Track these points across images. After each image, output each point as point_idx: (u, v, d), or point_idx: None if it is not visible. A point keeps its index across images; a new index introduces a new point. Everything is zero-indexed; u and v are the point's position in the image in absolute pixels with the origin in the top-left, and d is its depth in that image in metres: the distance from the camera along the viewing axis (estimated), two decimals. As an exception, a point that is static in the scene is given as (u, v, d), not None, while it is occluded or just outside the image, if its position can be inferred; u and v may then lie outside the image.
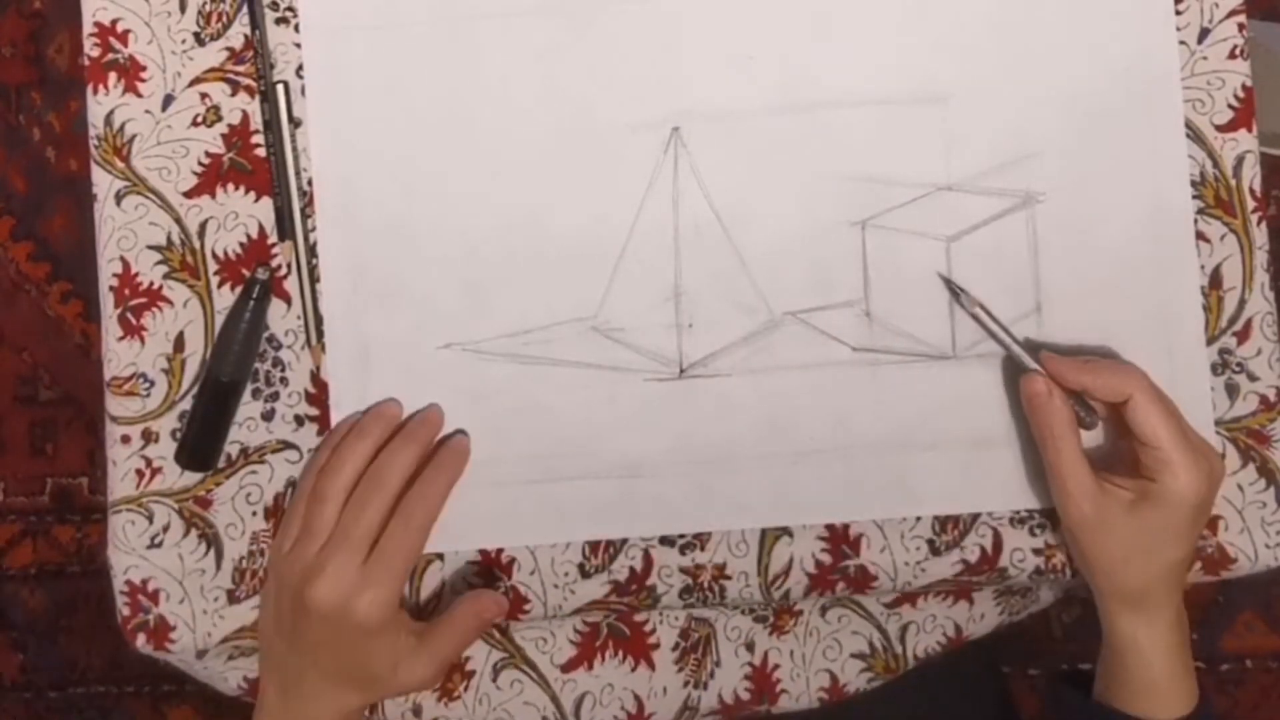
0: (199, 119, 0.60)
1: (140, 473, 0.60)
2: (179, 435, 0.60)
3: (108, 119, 0.60)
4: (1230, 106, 0.59)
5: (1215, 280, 0.59)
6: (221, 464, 0.60)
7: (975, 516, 0.59)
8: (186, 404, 0.60)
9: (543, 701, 0.64)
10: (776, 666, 0.64)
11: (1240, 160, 0.59)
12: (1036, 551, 0.59)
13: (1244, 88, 0.59)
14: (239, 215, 0.60)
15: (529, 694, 0.64)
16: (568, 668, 0.64)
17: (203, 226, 0.60)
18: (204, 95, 0.60)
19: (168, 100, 0.60)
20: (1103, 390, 0.54)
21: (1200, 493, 0.53)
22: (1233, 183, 0.59)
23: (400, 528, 0.54)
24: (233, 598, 0.60)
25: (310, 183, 0.60)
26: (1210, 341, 0.59)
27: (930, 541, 0.59)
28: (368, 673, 0.55)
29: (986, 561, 0.59)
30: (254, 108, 0.60)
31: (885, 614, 0.64)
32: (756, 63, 0.59)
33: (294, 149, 0.60)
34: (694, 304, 0.59)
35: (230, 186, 0.60)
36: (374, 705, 0.64)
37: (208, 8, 0.61)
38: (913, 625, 0.64)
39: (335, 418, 0.59)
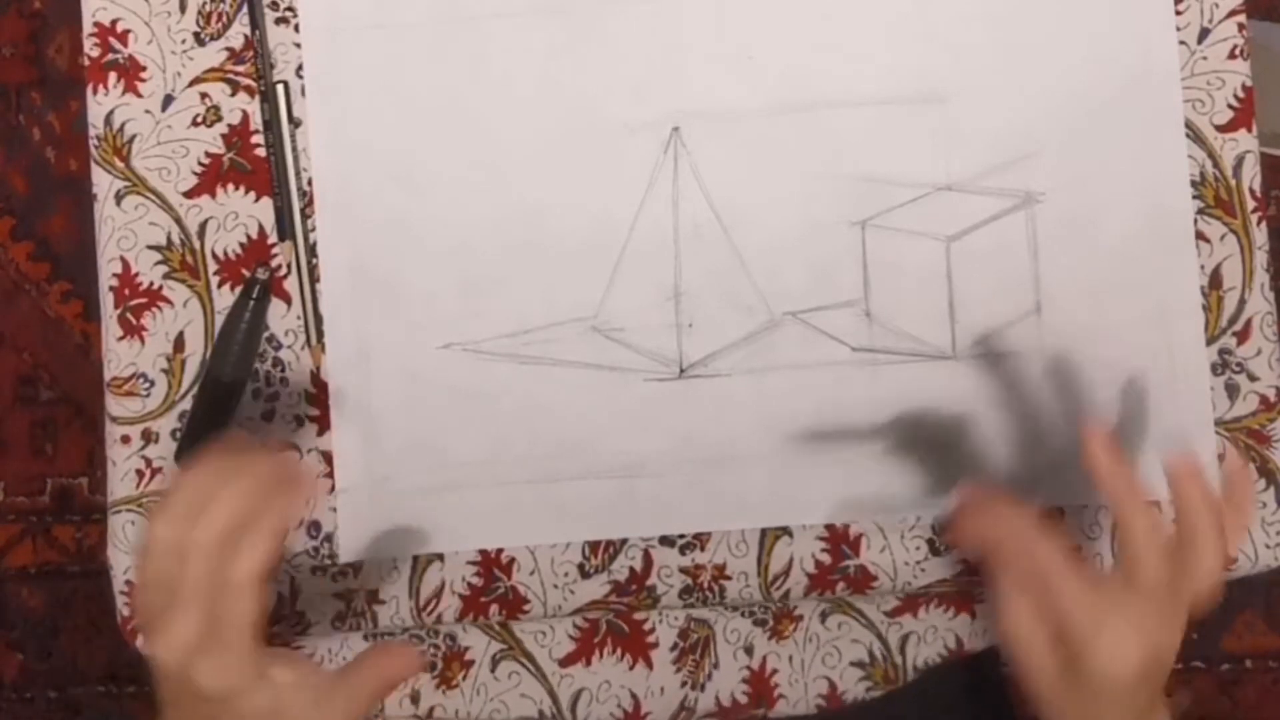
0: (199, 119, 0.60)
1: (140, 473, 0.60)
2: (179, 435, 0.60)
3: (108, 119, 0.60)
4: (1230, 106, 0.59)
5: (1215, 280, 0.59)
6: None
7: (975, 516, 0.59)
8: (186, 404, 0.60)
9: (540, 695, 0.64)
10: (775, 671, 0.64)
11: (1240, 160, 0.59)
12: (1036, 551, 0.59)
13: (1244, 88, 0.59)
14: (239, 215, 0.60)
15: (526, 687, 0.64)
16: (566, 663, 0.64)
17: (203, 226, 0.60)
18: (204, 95, 0.60)
19: (168, 100, 0.60)
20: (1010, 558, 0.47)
21: (1127, 677, 0.45)
22: (1233, 183, 0.59)
23: (221, 587, 0.46)
24: (232, 598, 0.60)
25: (310, 183, 0.60)
26: (1210, 341, 0.59)
27: (930, 541, 0.59)
28: None
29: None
30: (254, 108, 0.60)
31: (886, 623, 0.64)
32: (756, 63, 0.59)
33: (294, 149, 0.60)
34: (694, 304, 0.59)
35: (230, 186, 0.60)
36: None
37: (208, 8, 0.61)
38: (913, 636, 0.64)
39: (335, 418, 0.59)
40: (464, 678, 0.64)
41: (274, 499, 0.47)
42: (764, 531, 0.59)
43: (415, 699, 0.64)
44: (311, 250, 0.60)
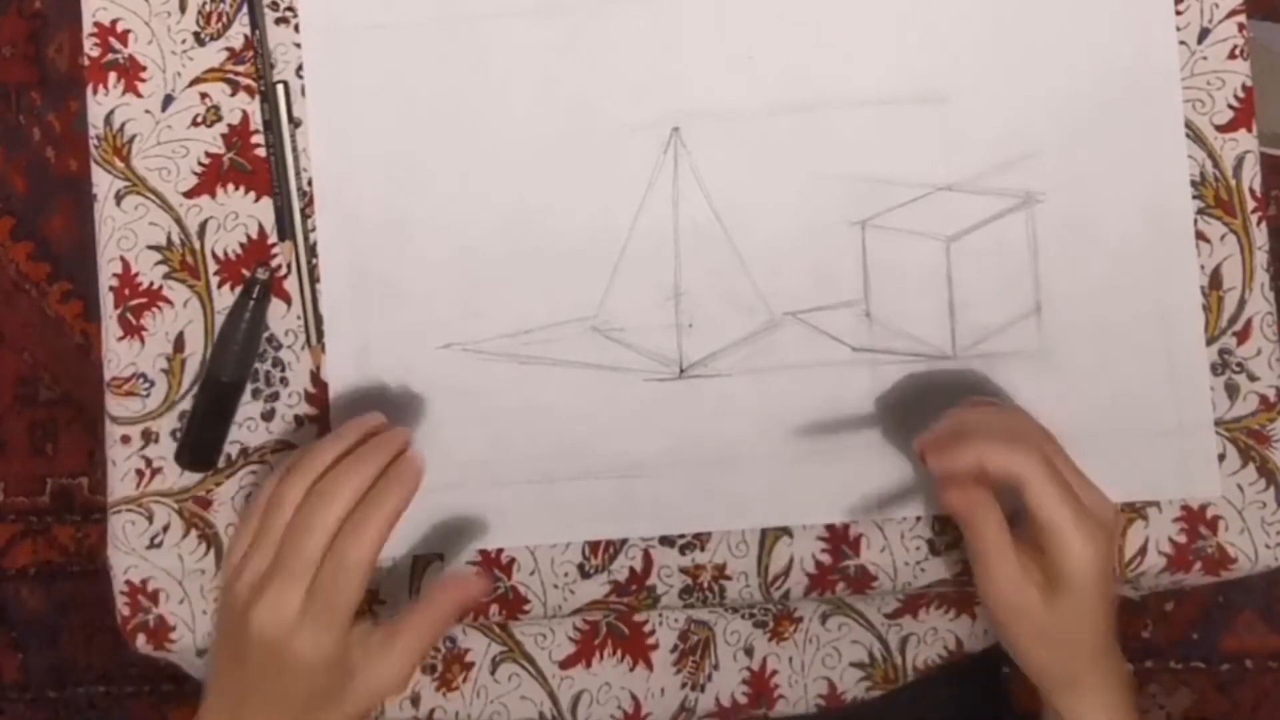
0: (199, 119, 0.60)
1: (140, 473, 0.60)
2: (179, 435, 0.60)
3: (108, 119, 0.60)
4: (1230, 106, 0.59)
5: (1215, 280, 0.59)
6: (221, 464, 0.60)
7: (975, 516, 0.59)
8: (186, 404, 0.60)
9: (540, 697, 0.64)
10: (775, 672, 0.64)
11: (1240, 160, 0.59)
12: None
13: (1244, 88, 0.59)
14: (239, 215, 0.60)
15: (526, 689, 0.64)
16: (566, 664, 0.64)
17: (203, 226, 0.60)
18: (204, 95, 0.60)
19: (168, 100, 0.60)
20: (995, 472, 0.50)
21: (1098, 565, 0.50)
22: (1233, 183, 0.59)
23: (335, 567, 0.48)
24: (232, 598, 0.60)
25: (310, 183, 0.60)
26: (1210, 341, 0.59)
27: (930, 542, 0.59)
28: (318, 697, 0.50)
29: (986, 562, 0.59)
30: (254, 108, 0.60)
31: (886, 625, 0.64)
32: (756, 63, 0.59)
33: (294, 149, 0.60)
34: (694, 304, 0.59)
35: (230, 186, 0.60)
36: None
37: (208, 8, 0.61)
38: (913, 637, 0.64)
39: (335, 418, 0.59)
40: (464, 680, 0.64)
41: (394, 487, 0.50)
42: (764, 531, 0.59)
43: (415, 701, 0.64)
44: (311, 250, 0.60)
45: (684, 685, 0.64)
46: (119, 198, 0.60)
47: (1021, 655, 0.53)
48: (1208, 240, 0.59)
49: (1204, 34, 0.59)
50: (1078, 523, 0.50)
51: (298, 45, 0.60)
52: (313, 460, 0.51)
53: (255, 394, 0.60)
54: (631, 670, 0.64)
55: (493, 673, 0.64)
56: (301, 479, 0.50)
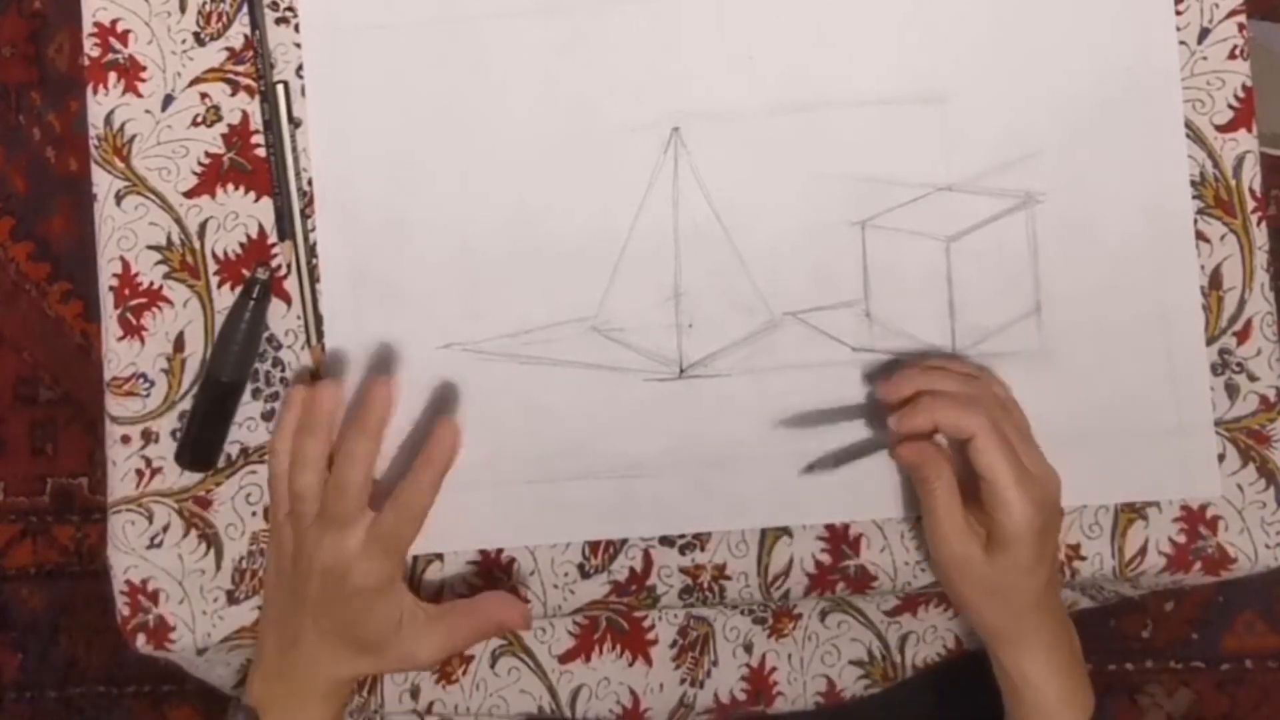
0: (199, 119, 0.60)
1: (140, 473, 0.60)
2: (179, 435, 0.60)
3: (108, 119, 0.60)
4: (1230, 106, 0.59)
5: (1215, 280, 0.59)
6: (221, 464, 0.60)
7: (975, 516, 0.59)
8: (186, 404, 0.60)
9: (539, 690, 0.64)
10: (774, 669, 0.64)
11: (1240, 160, 0.59)
12: (1036, 551, 0.59)
13: (1244, 88, 0.59)
14: (239, 215, 0.60)
15: (525, 682, 0.64)
16: (565, 659, 0.64)
17: (203, 226, 0.60)
18: (204, 95, 0.60)
19: (168, 100, 0.60)
20: (946, 428, 0.54)
21: (1035, 523, 0.53)
22: (1233, 183, 0.59)
23: (395, 512, 0.53)
24: (232, 598, 0.60)
25: (310, 183, 0.60)
26: (1210, 341, 0.59)
27: (930, 541, 0.59)
28: (367, 634, 0.54)
29: (986, 561, 0.59)
30: (254, 108, 0.60)
31: (885, 622, 0.64)
32: (756, 63, 0.59)
33: (294, 149, 0.60)
34: (694, 304, 0.59)
35: (230, 186, 0.60)
36: (372, 686, 0.64)
37: (208, 8, 0.61)
38: (913, 635, 0.64)
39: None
40: (464, 673, 0.64)
41: (434, 444, 0.54)
42: (764, 531, 0.59)
43: (415, 694, 0.64)
44: (311, 250, 0.60)
45: (683, 681, 0.64)
46: (119, 198, 0.60)
47: (966, 608, 0.56)
48: (1208, 240, 0.59)
49: (1204, 34, 0.59)
50: (1017, 479, 0.52)
51: (298, 45, 0.60)
52: (320, 415, 0.55)
53: (255, 394, 0.60)
54: (631, 665, 0.64)
55: (492, 666, 0.64)
56: (316, 436, 0.55)
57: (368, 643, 0.55)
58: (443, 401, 0.59)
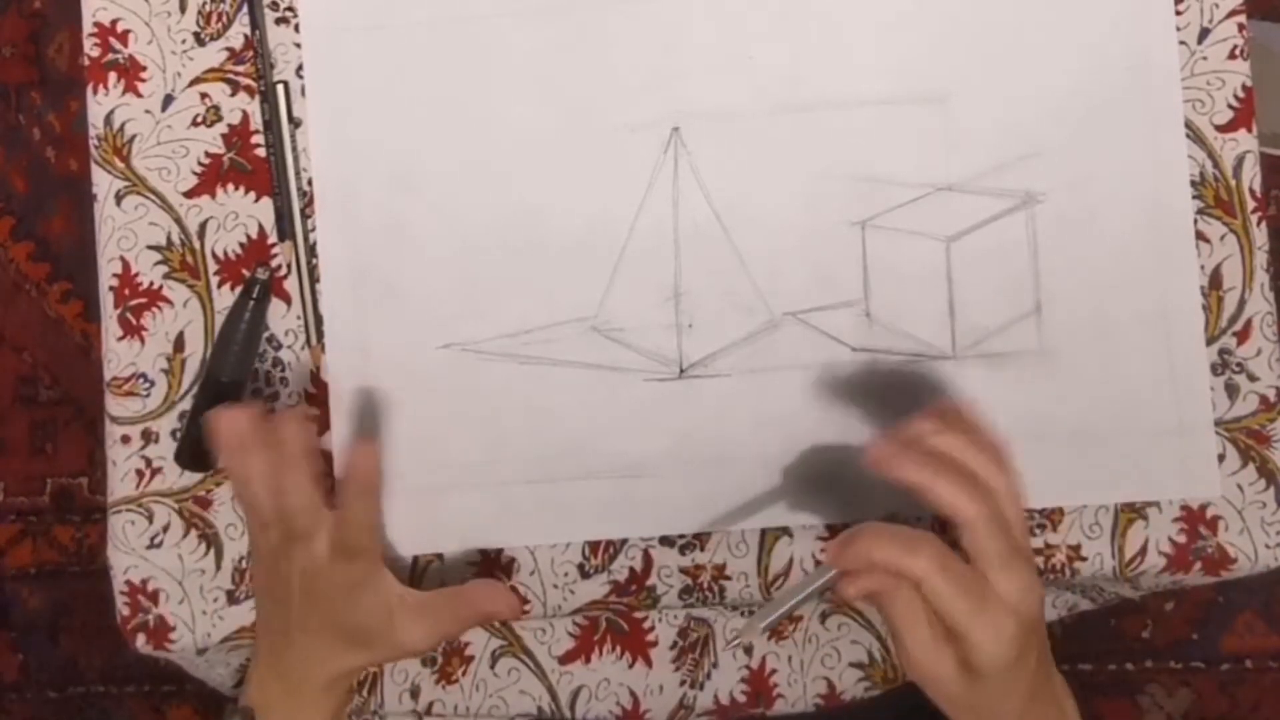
0: (199, 119, 0.60)
1: (140, 473, 0.60)
2: (179, 435, 0.60)
3: (108, 119, 0.60)
4: (1230, 106, 0.59)
5: (1215, 280, 0.59)
6: (221, 464, 0.60)
7: (975, 516, 0.59)
8: (186, 404, 0.60)
9: (539, 691, 0.64)
10: (774, 671, 0.64)
11: (1240, 160, 0.59)
12: (1036, 551, 0.59)
13: (1244, 88, 0.59)
14: (239, 215, 0.60)
15: (525, 683, 0.64)
16: (565, 660, 0.64)
17: (203, 226, 0.60)
18: (204, 95, 0.60)
19: (168, 100, 0.60)
20: (888, 566, 0.47)
21: (1008, 654, 0.47)
22: (1233, 183, 0.59)
23: (349, 510, 0.54)
24: (232, 598, 0.60)
25: (310, 183, 0.60)
26: (1210, 341, 0.59)
27: (930, 541, 0.59)
28: (355, 626, 0.54)
29: (986, 561, 0.59)
30: (254, 108, 0.60)
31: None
32: (756, 63, 0.59)
33: (294, 149, 0.60)
34: (694, 304, 0.59)
35: (230, 186, 0.60)
36: (371, 686, 0.64)
37: (208, 8, 0.61)
38: (913, 635, 0.64)
39: (335, 418, 0.59)
40: (464, 673, 0.64)
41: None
42: (764, 531, 0.59)
43: (415, 694, 0.64)
44: (311, 250, 0.60)
45: (683, 683, 0.64)
46: (119, 198, 0.60)
47: (947, 715, 0.51)
48: (1208, 240, 0.59)
49: (1204, 34, 0.59)
50: (976, 619, 0.46)
51: (298, 45, 0.60)
52: (243, 439, 0.55)
53: (255, 394, 0.60)
54: (631, 667, 0.64)
55: (492, 666, 0.64)
56: (250, 485, 0.55)
57: (357, 635, 0.54)
58: (443, 401, 0.59)
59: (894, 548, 0.47)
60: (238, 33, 0.60)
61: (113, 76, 0.60)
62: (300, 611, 0.54)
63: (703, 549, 0.60)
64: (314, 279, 0.60)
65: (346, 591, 0.53)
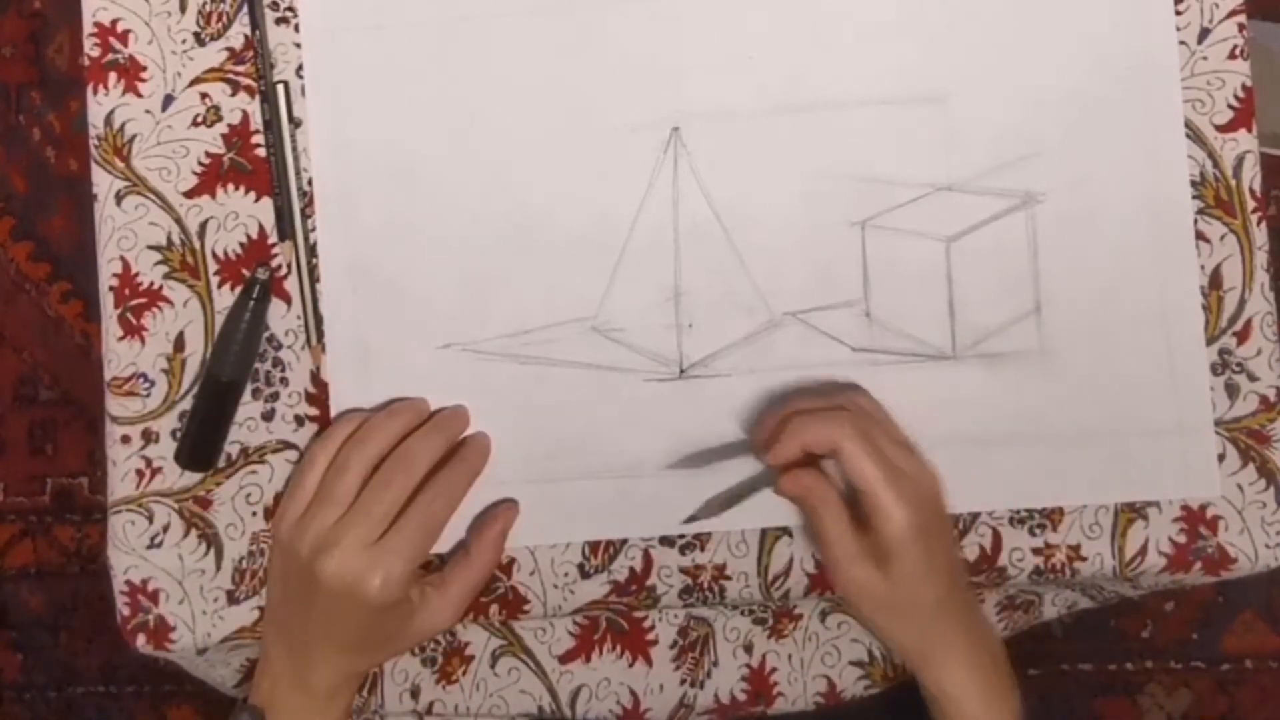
0: (199, 119, 0.60)
1: (140, 473, 0.60)
2: (179, 435, 0.60)
3: (108, 119, 0.60)
4: (1230, 106, 0.59)
5: (1215, 280, 0.59)
6: (221, 464, 0.60)
7: (975, 516, 0.59)
8: (186, 404, 0.60)
9: (539, 691, 0.64)
10: (774, 670, 0.64)
11: (1240, 160, 0.59)
12: (1036, 551, 0.59)
13: (1244, 88, 0.59)
14: (239, 215, 0.60)
15: (525, 683, 0.64)
16: (565, 659, 0.64)
17: (203, 226, 0.60)
18: (204, 95, 0.60)
19: (168, 100, 0.60)
20: (813, 444, 0.52)
21: (914, 522, 0.51)
22: (1233, 183, 0.59)
23: (420, 513, 0.54)
24: (232, 598, 0.60)
25: (310, 183, 0.60)
26: (1210, 341, 0.59)
27: (930, 541, 0.59)
28: (381, 638, 0.55)
29: (985, 561, 0.59)
30: (254, 108, 0.60)
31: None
32: (756, 63, 0.59)
33: (294, 149, 0.60)
34: (694, 304, 0.59)
35: (230, 186, 0.60)
36: (372, 686, 0.64)
37: (208, 8, 0.61)
38: (913, 633, 0.64)
39: (335, 418, 0.59)
40: (464, 673, 0.64)
41: (473, 456, 0.57)
42: (764, 531, 0.59)
43: (415, 694, 0.64)
44: (311, 250, 0.60)
45: (683, 681, 0.64)
46: (119, 198, 0.60)
47: (878, 633, 0.55)
48: (1208, 240, 0.59)
49: (1204, 34, 0.59)
50: (889, 483, 0.51)
51: (298, 45, 0.60)
52: (375, 433, 0.56)
53: (255, 394, 0.60)
54: (631, 666, 0.64)
55: (492, 666, 0.64)
56: (363, 450, 0.55)
57: (385, 641, 0.55)
58: (443, 401, 0.59)
59: (815, 425, 0.52)
60: (238, 33, 0.60)
61: (113, 76, 0.60)
62: (323, 619, 0.54)
63: (703, 549, 0.60)
64: (314, 279, 0.60)
65: (373, 611, 0.53)
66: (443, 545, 0.59)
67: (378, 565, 0.52)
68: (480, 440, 0.58)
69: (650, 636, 0.64)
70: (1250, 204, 0.59)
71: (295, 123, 0.60)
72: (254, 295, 0.59)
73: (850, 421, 0.52)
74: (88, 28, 0.61)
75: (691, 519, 0.56)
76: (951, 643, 0.54)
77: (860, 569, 0.52)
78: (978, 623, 0.56)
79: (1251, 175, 0.59)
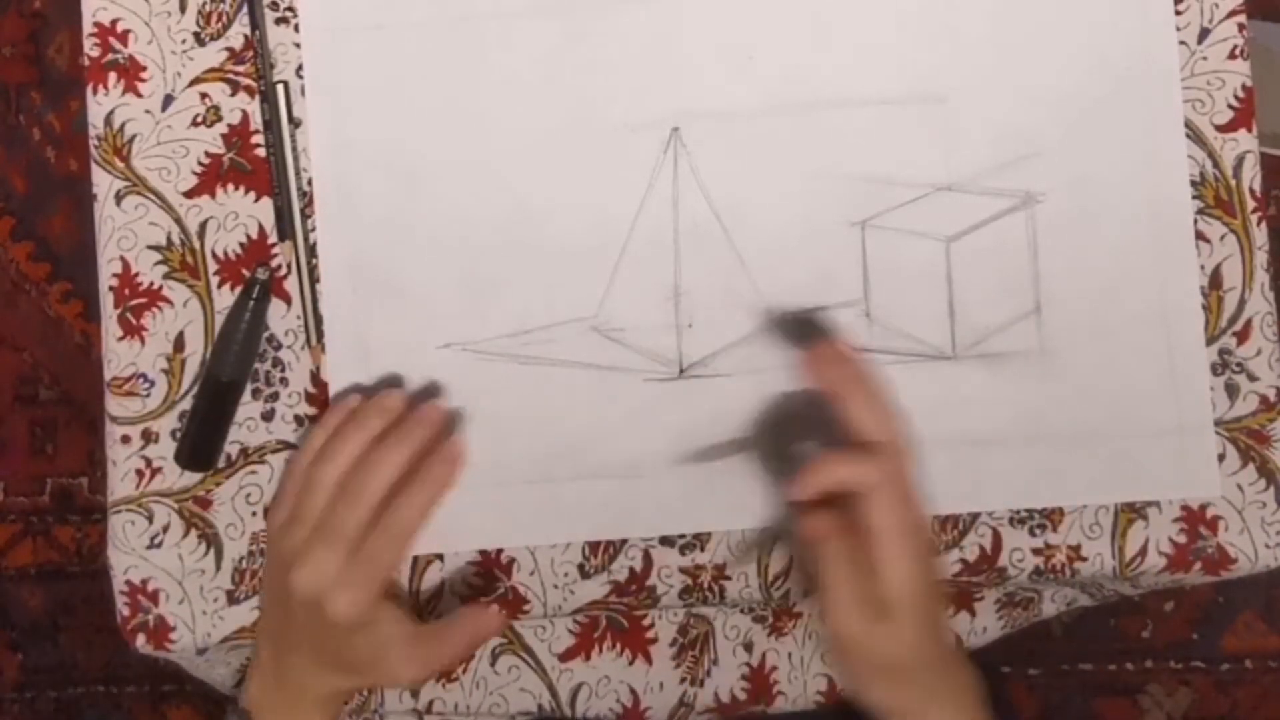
0: (199, 119, 0.60)
1: (140, 473, 0.60)
2: (179, 435, 0.60)
3: (108, 119, 0.60)
4: (1230, 106, 0.59)
5: (1215, 280, 0.59)
6: (221, 464, 0.60)
7: (975, 516, 0.59)
8: (186, 404, 0.60)
9: (539, 689, 0.64)
10: (774, 668, 0.64)
11: (1240, 160, 0.59)
12: (1036, 551, 0.59)
13: (1244, 88, 0.59)
14: (239, 215, 0.60)
15: (526, 681, 0.64)
16: (565, 657, 0.64)
17: (203, 226, 0.60)
18: (204, 95, 0.60)
19: (168, 100, 0.60)
20: (841, 487, 0.51)
21: (918, 583, 0.50)
22: (1233, 183, 0.59)
23: (381, 537, 0.53)
24: (232, 598, 0.60)
25: (310, 183, 0.60)
26: (1210, 341, 0.59)
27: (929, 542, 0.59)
28: (349, 662, 0.54)
29: (985, 561, 0.59)
30: (254, 108, 0.60)
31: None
32: (756, 63, 0.59)
33: (294, 149, 0.60)
34: (694, 304, 0.59)
35: (230, 186, 0.60)
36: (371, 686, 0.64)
37: (208, 8, 0.61)
38: (914, 631, 0.64)
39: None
40: (464, 671, 0.64)
41: (440, 466, 0.55)
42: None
43: (415, 693, 0.64)
44: (311, 250, 0.60)
45: (683, 680, 0.64)
46: (119, 198, 0.60)
47: (861, 690, 0.53)
48: (1208, 240, 0.59)
49: (1204, 34, 0.59)
50: (897, 543, 0.49)
51: (298, 45, 0.60)
52: (342, 444, 0.55)
53: (255, 394, 0.60)
54: (631, 664, 0.64)
55: (492, 664, 0.64)
56: (332, 462, 0.54)
57: (350, 667, 0.55)
58: (443, 401, 0.59)
59: (850, 462, 0.50)
60: (238, 33, 0.60)
61: (113, 76, 0.60)
62: (298, 629, 0.54)
63: (703, 549, 0.60)
64: (314, 279, 0.60)
65: (342, 628, 0.53)
66: (431, 547, 0.59)
67: (342, 584, 0.52)
68: (449, 451, 0.56)
69: (650, 635, 0.64)
70: (1250, 204, 0.59)
71: (295, 123, 0.60)
72: (254, 295, 0.59)
73: (881, 468, 0.50)
74: (88, 28, 0.61)
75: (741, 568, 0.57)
76: (944, 702, 0.53)
77: (854, 623, 0.51)
78: (961, 686, 0.55)
79: (1251, 175, 0.59)
